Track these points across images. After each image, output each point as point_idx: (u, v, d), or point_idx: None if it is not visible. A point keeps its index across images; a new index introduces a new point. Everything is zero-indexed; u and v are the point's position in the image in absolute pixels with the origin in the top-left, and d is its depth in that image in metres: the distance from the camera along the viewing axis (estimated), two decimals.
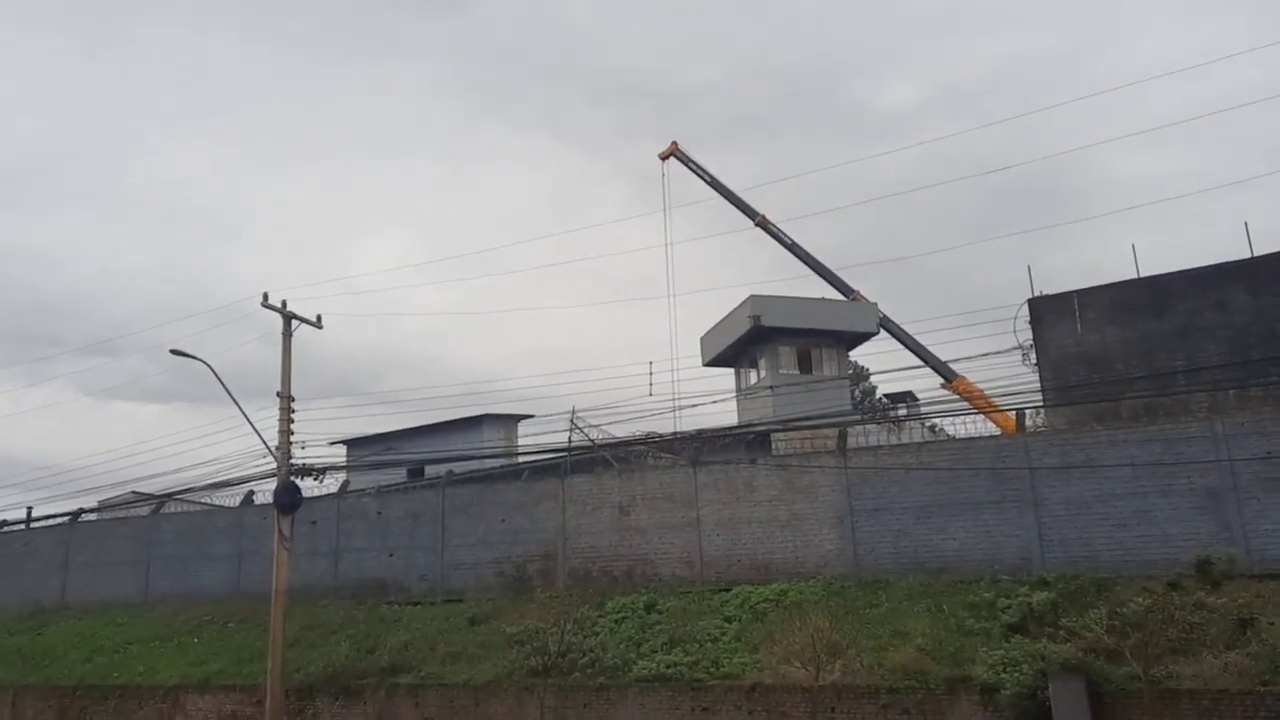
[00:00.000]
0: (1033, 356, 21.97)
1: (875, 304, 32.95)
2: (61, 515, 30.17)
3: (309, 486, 20.91)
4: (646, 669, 16.34)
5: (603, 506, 21.38)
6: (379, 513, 24.22)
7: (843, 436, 19.95)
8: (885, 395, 38.42)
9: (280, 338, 18.99)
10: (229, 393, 18.07)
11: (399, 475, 30.33)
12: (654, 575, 20.24)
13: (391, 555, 23.47)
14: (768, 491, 19.75)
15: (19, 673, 23.50)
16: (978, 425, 21.42)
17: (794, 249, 34.44)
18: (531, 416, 33.75)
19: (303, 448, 19.06)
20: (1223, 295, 20.11)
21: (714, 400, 29.96)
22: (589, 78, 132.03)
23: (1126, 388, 19.80)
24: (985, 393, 23.51)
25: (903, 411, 29.37)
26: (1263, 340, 19.34)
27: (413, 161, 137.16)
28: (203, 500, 27.96)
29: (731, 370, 33.96)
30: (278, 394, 18.71)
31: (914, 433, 23.69)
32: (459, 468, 25.49)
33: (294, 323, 19.12)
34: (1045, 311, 21.99)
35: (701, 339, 34.43)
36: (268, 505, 22.17)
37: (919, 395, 29.09)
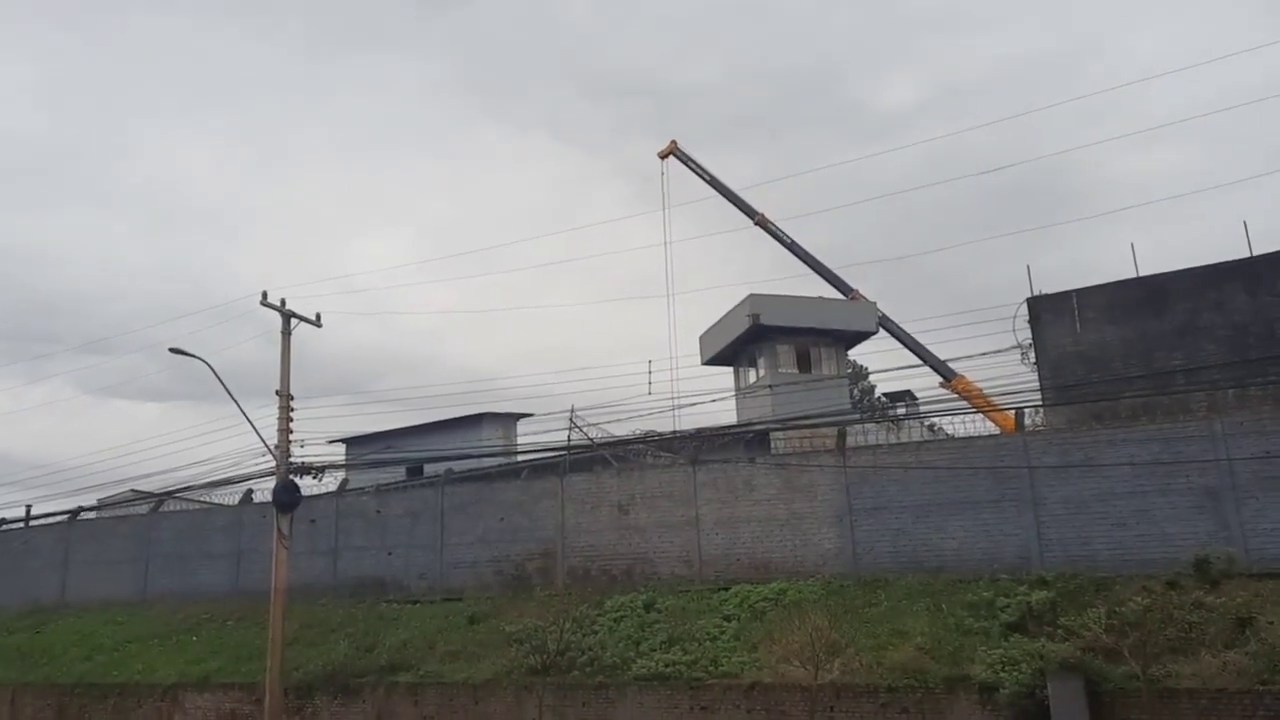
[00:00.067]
0: (1032, 356, 22.00)
1: (874, 303, 32.98)
2: (60, 514, 30.18)
3: (308, 485, 20.98)
4: (645, 668, 16.35)
5: (602, 505, 21.39)
6: (378, 511, 24.22)
7: (842, 435, 19.95)
8: (884, 394, 38.52)
9: (279, 336, 18.99)
10: (228, 391, 18.08)
11: (398, 474, 30.36)
12: (653, 574, 20.24)
13: (390, 554, 23.47)
14: (767, 490, 19.76)
15: (18, 671, 23.49)
16: (977, 424, 21.50)
17: (793, 248, 34.46)
18: (530, 415, 33.80)
19: (302, 446, 19.08)
20: (1221, 295, 20.14)
21: (713, 399, 29.99)
22: (589, 77, 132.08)
23: (1125, 387, 19.81)
24: (984, 392, 23.54)
25: (902, 411, 29.40)
26: (1261, 340, 19.36)
27: (412, 160, 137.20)
28: (202, 499, 27.96)
29: (730, 369, 33.98)
30: (277, 392, 18.70)
31: (913, 432, 23.71)
32: (458, 466, 25.49)
33: (293, 321, 19.11)
34: (1044, 311, 22.01)
35: (700, 338, 34.45)
36: (267, 504, 22.17)
37: (918, 394, 29.20)
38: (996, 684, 13.51)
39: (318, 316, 19.62)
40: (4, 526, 31.43)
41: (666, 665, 16.24)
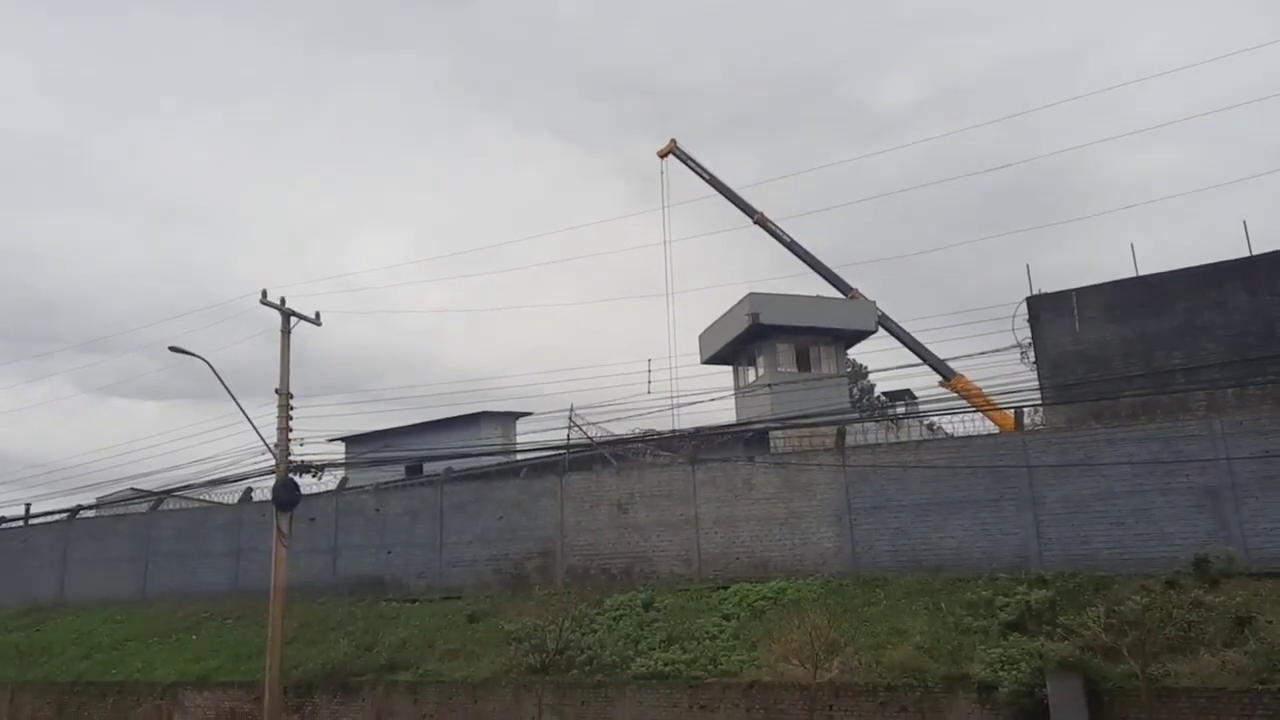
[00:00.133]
0: (1031, 355, 22.00)
1: (874, 302, 32.99)
2: (60, 512, 30.17)
3: (307, 484, 20.96)
4: (644, 666, 16.34)
5: (601, 504, 21.39)
6: (377, 510, 24.22)
7: (841, 434, 19.95)
8: (883, 393, 38.53)
9: (279, 335, 18.99)
10: (227, 389, 18.07)
11: (397, 472, 30.35)
12: (652, 573, 20.25)
13: (390, 552, 23.47)
14: (766, 489, 19.75)
15: (17, 669, 23.48)
16: (976, 423, 21.48)
17: (792, 247, 34.47)
18: (530, 414, 33.86)
19: (301, 445, 19.07)
20: (1221, 294, 20.13)
21: (712, 398, 29.96)
22: (588, 76, 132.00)
23: (1125, 386, 19.80)
24: (984, 391, 23.52)
25: (901, 409, 29.41)
26: (1261, 339, 19.36)
27: (411, 159, 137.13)
28: (201, 497, 27.95)
29: (730, 368, 33.98)
30: (276, 391, 18.70)
31: (912, 431, 23.73)
32: (457, 465, 25.51)
33: (292, 320, 19.10)
34: (1044, 310, 22.00)
35: (700, 337, 34.45)
36: (266, 502, 22.17)
37: (917, 393, 29.17)
38: (995, 683, 13.52)
39: (317, 315, 19.62)
40: (3, 525, 31.40)
41: (665, 664, 16.24)
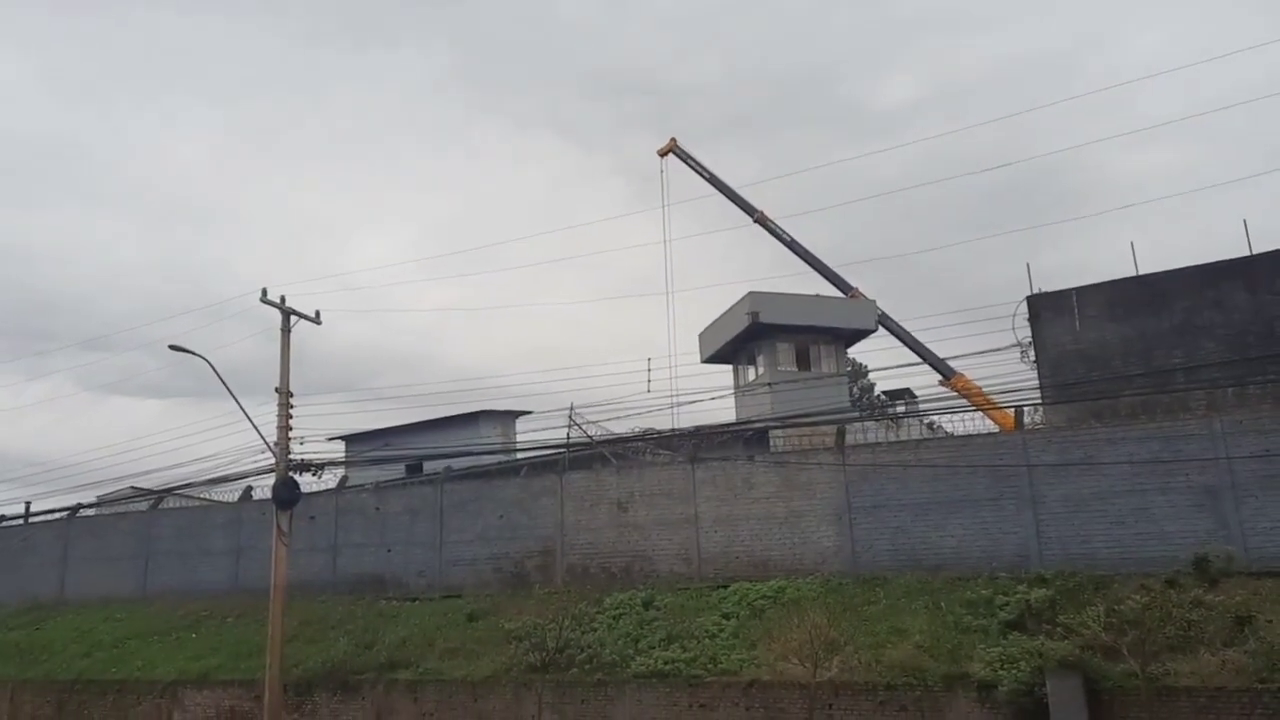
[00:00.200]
0: (1031, 354, 22.01)
1: (874, 301, 32.99)
2: (60, 510, 30.19)
3: (307, 482, 20.95)
4: (644, 665, 16.35)
5: (601, 503, 21.40)
6: (377, 508, 24.22)
7: (841, 433, 19.95)
8: (883, 392, 38.52)
9: (279, 333, 18.99)
10: (227, 388, 18.07)
11: (397, 471, 30.35)
12: (652, 572, 20.26)
13: (390, 551, 23.48)
14: (766, 488, 19.76)
15: (17, 668, 23.50)
16: (976, 423, 21.45)
17: (793, 246, 34.47)
18: (530, 413, 33.86)
19: (301, 443, 19.07)
20: (1221, 293, 20.14)
21: (712, 397, 29.96)
22: (588, 75, 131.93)
23: (1125, 385, 19.81)
24: (984, 390, 23.54)
25: (901, 409, 29.41)
26: (1261, 338, 19.37)
27: (411, 157, 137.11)
28: (201, 495, 27.95)
29: (730, 367, 33.98)
30: (276, 389, 18.70)
31: (912, 430, 23.73)
32: (457, 464, 25.51)
33: (293, 318, 19.11)
34: (1044, 309, 22.01)
35: (700, 336, 34.45)
36: (266, 501, 22.17)
37: (917, 392, 29.15)
38: (995, 682, 13.52)
39: (317, 314, 19.62)
40: (3, 523, 31.43)
41: (665, 663, 16.25)
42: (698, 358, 34.28)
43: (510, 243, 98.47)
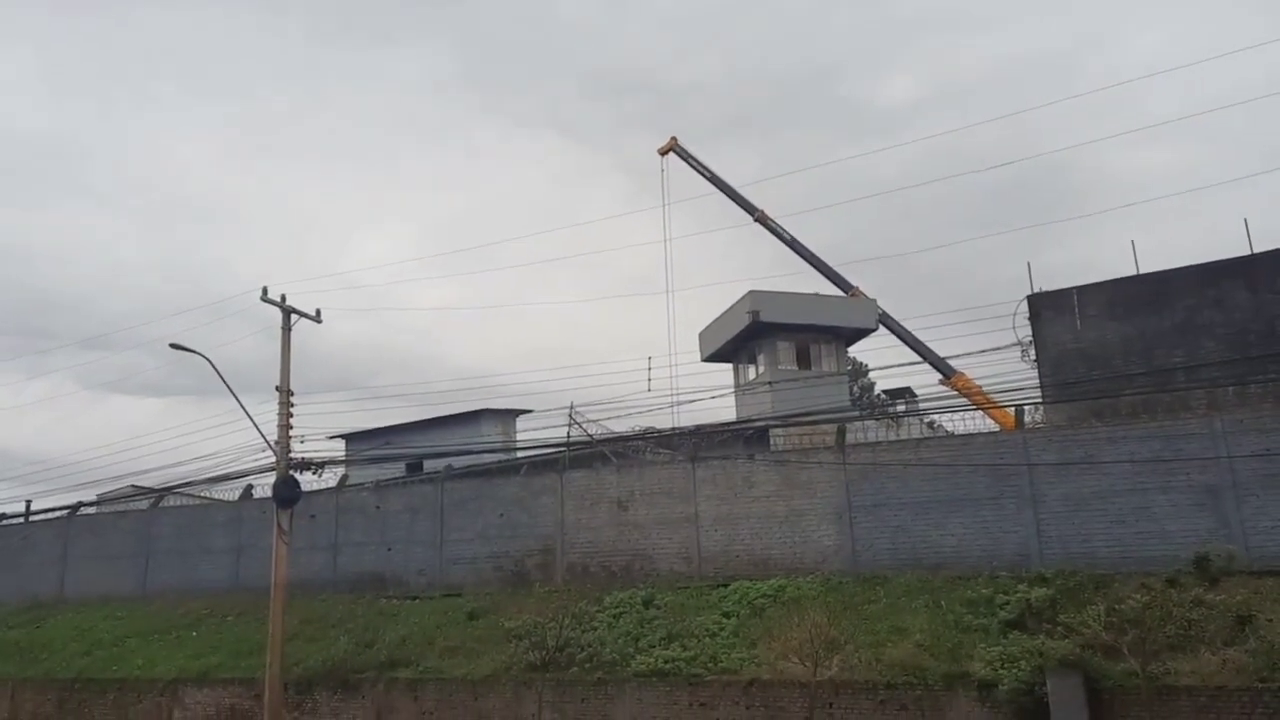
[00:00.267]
0: (1032, 353, 21.98)
1: (874, 300, 32.96)
2: (60, 509, 30.21)
3: (308, 481, 20.93)
4: (644, 664, 16.35)
5: (601, 502, 21.40)
6: (377, 507, 24.23)
7: (841, 432, 19.94)
8: (884, 391, 38.47)
9: (279, 332, 18.99)
10: (228, 386, 18.07)
11: (398, 470, 30.36)
12: (652, 570, 20.26)
13: (390, 549, 23.48)
14: (766, 487, 19.76)
15: (17, 666, 23.52)
16: (976, 421, 21.45)
17: (793, 245, 34.46)
18: (530, 411, 33.84)
19: (301, 442, 19.10)
20: (1222, 292, 20.11)
21: (712, 396, 30.05)
22: (589, 74, 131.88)
23: (1126, 384, 19.79)
24: (984, 389, 23.52)
25: (901, 407, 29.39)
26: (1262, 337, 19.34)
27: (411, 156, 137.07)
28: (201, 494, 27.96)
29: (730, 366, 33.96)
30: (277, 388, 18.70)
31: (913, 429, 23.71)
32: (457, 462, 25.51)
33: (293, 317, 19.11)
34: (1044, 308, 21.98)
35: (700, 334, 34.43)
36: (266, 499, 22.18)
37: (918, 391, 29.08)
38: (995, 681, 13.52)
39: (318, 312, 19.62)
40: (3, 522, 31.45)
41: (665, 661, 16.24)
42: (698, 357, 34.27)
43: (510, 242, 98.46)
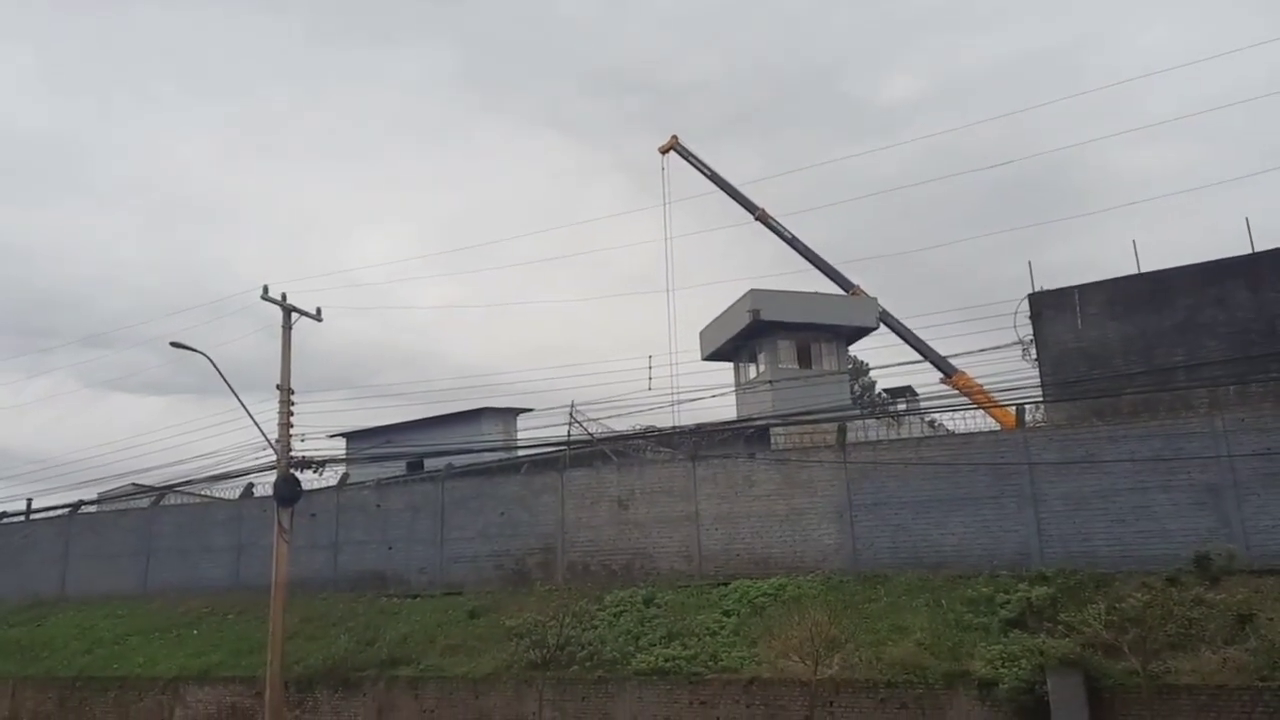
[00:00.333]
0: (1033, 352, 21.97)
1: (875, 299, 32.94)
2: (61, 507, 30.21)
3: (308, 479, 20.97)
4: (645, 662, 16.37)
5: (601, 500, 21.41)
6: (378, 505, 24.24)
7: (842, 431, 19.94)
8: (885, 390, 38.45)
9: (280, 331, 18.99)
10: (228, 384, 18.08)
11: (398, 468, 30.37)
12: (652, 569, 20.27)
13: (391, 548, 23.49)
14: (766, 486, 19.76)
15: (18, 664, 23.54)
16: (977, 420, 21.42)
17: (794, 243, 34.44)
18: (530, 410, 33.82)
19: (302, 440, 19.11)
20: (1223, 291, 20.10)
21: (713, 395, 30.02)
22: (589, 72, 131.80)
23: (1127, 383, 19.78)
24: (985, 388, 23.52)
25: (902, 406, 29.40)
26: (1263, 336, 19.34)
27: (411, 155, 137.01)
28: (202, 492, 27.98)
29: (730, 365, 33.95)
30: (277, 387, 18.70)
31: (913, 428, 23.71)
32: (458, 461, 25.51)
33: (293, 315, 19.11)
34: (1046, 307, 21.97)
35: (700, 333, 34.42)
36: (267, 498, 22.17)
37: (918, 390, 29.08)
38: (996, 680, 13.53)
39: (318, 311, 19.62)
40: (4, 520, 31.47)
41: (666, 660, 16.26)
42: (698, 355, 34.25)
43: (511, 240, 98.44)
